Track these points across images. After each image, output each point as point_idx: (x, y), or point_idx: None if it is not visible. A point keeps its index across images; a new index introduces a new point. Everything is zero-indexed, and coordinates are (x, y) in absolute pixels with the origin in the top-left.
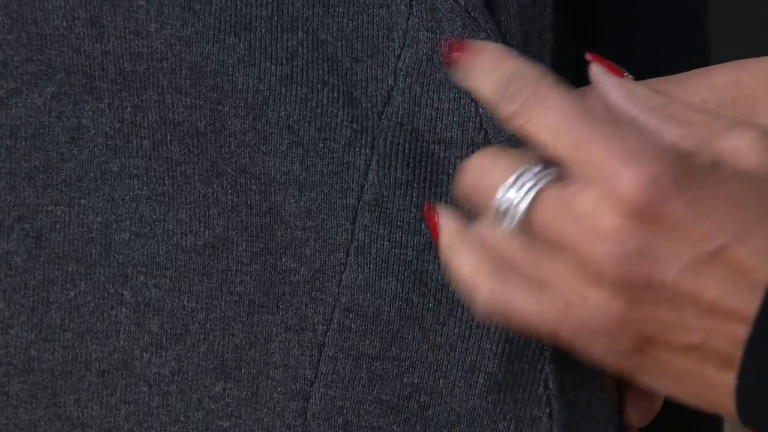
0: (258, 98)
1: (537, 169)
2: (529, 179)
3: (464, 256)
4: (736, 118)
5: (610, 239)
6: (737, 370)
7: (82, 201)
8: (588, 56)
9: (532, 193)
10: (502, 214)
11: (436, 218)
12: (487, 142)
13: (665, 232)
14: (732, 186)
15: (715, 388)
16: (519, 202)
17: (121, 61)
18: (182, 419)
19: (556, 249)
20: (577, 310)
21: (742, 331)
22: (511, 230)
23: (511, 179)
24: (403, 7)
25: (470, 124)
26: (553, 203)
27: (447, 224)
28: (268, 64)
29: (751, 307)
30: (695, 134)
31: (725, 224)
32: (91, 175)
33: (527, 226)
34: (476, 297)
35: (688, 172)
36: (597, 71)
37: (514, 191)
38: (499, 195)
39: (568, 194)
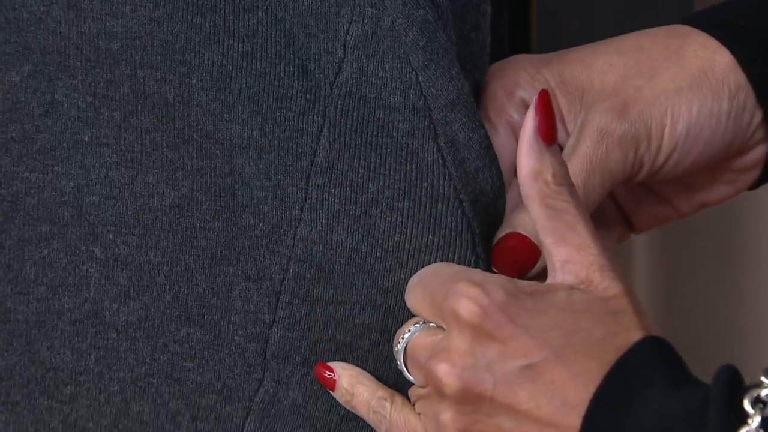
0: (222, 72)
1: (420, 323)
2: (412, 330)
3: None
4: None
5: (450, 357)
6: None
7: (56, 168)
8: (534, 103)
9: (408, 337)
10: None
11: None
12: (426, 107)
13: (488, 348)
14: (552, 313)
15: None
16: (402, 344)
17: (96, 40)
18: (149, 361)
19: (421, 375)
20: (428, 422)
21: None
22: (400, 363)
23: (406, 331)
24: None
25: (411, 90)
26: (418, 341)
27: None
28: (231, 41)
29: (570, 421)
30: (559, 253)
31: (541, 343)
32: (64, 144)
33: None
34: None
35: (512, 297)
36: (527, 130)
37: (404, 337)
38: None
39: (429, 333)
